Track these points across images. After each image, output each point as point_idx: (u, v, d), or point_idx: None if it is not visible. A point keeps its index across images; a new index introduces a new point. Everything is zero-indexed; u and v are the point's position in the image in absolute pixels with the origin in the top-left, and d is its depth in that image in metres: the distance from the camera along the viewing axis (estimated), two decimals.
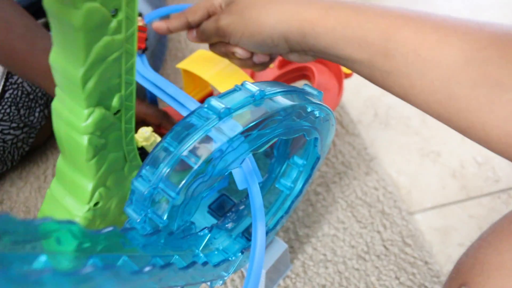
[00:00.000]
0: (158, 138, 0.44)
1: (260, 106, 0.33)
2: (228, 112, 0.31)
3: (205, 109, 0.32)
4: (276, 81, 0.39)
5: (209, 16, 0.43)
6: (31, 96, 0.59)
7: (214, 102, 0.32)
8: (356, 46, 0.34)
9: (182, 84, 0.66)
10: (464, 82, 0.30)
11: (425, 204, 0.66)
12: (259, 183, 0.38)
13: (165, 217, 0.33)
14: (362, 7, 0.35)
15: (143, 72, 0.48)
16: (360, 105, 0.79)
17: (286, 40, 0.38)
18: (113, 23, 0.32)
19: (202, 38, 0.44)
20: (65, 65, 0.34)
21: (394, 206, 0.62)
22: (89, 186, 0.42)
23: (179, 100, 0.45)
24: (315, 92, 0.38)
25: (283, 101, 0.35)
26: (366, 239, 0.59)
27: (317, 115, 0.37)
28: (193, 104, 0.44)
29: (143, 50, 0.51)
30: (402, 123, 0.77)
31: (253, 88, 0.33)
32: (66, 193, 0.44)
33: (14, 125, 0.60)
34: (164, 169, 0.32)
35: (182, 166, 0.32)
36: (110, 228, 0.29)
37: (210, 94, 0.61)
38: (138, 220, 0.34)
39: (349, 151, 0.69)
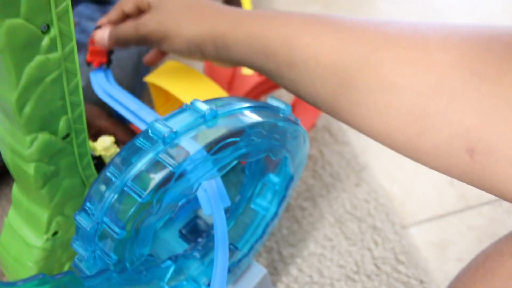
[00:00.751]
0: (118, 150, 0.41)
1: (216, 126, 0.30)
2: (174, 136, 0.28)
3: (150, 132, 0.29)
4: (241, 96, 0.36)
5: (137, 10, 0.44)
6: None
7: (158, 125, 0.28)
8: (263, 57, 0.35)
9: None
10: (362, 87, 0.30)
11: (420, 216, 0.62)
12: (227, 207, 0.35)
13: (112, 254, 0.30)
14: (269, 16, 0.36)
15: (104, 87, 0.45)
16: None
17: (202, 52, 0.40)
18: (45, 41, 0.29)
19: (119, 42, 0.45)
20: None
21: (387, 220, 0.59)
22: (45, 215, 0.39)
23: (142, 118, 0.42)
24: (282, 106, 0.35)
25: (244, 118, 0.31)
26: (356, 258, 0.55)
27: (284, 133, 0.34)
28: None
29: (108, 65, 0.48)
30: None
31: (204, 107, 0.30)
32: (23, 222, 0.41)
33: None
34: (107, 202, 0.29)
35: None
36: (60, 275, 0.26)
37: None
38: (86, 257, 0.31)
39: (338, 161, 0.65)
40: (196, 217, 0.46)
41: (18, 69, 0.29)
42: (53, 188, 0.37)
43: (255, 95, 0.60)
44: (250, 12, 0.38)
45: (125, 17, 0.45)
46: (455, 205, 0.64)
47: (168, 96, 0.54)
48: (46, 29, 0.28)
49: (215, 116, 0.30)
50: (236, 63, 0.39)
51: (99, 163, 0.40)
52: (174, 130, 0.28)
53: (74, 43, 0.31)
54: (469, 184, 0.28)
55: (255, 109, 0.32)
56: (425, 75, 0.27)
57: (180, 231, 0.45)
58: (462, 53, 0.26)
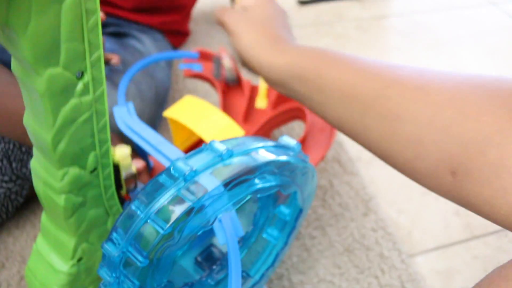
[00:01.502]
0: (134, 167, 0.43)
1: (232, 165, 0.33)
2: (194, 174, 0.31)
3: (172, 171, 0.32)
4: (255, 136, 0.39)
5: None
6: (23, 149, 0.60)
7: (179, 164, 0.31)
8: (298, 82, 0.42)
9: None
10: (374, 116, 0.36)
11: (427, 245, 0.64)
12: (241, 237, 0.37)
13: (135, 281, 0.32)
14: (307, 50, 0.43)
15: (127, 121, 0.48)
16: None
17: (248, 62, 0.47)
18: (79, 86, 0.32)
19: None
20: (35, 127, 0.34)
21: (394, 249, 0.60)
22: (71, 242, 0.41)
23: (161, 151, 0.45)
24: (292, 144, 0.37)
25: (258, 157, 0.34)
26: (363, 285, 0.57)
27: (294, 170, 0.36)
28: (175, 155, 0.44)
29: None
30: None
31: (221, 147, 0.32)
32: (51, 249, 0.44)
33: (6, 178, 0.61)
34: (132, 233, 0.32)
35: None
36: None
37: (201, 141, 0.61)
38: (111, 283, 0.34)
39: (346, 191, 0.67)
40: (211, 245, 0.48)
41: (54, 112, 0.32)
42: (80, 218, 0.40)
43: (269, 128, 0.63)
44: (295, 45, 0.45)
45: None
46: (460, 234, 0.65)
47: (185, 129, 0.57)
48: (81, 76, 0.32)
49: (231, 155, 0.32)
50: (274, 82, 0.45)
51: (115, 170, 0.42)
52: (194, 168, 0.31)
53: (104, 87, 0.34)
54: (453, 201, 0.33)
55: (267, 148, 0.35)
56: (422, 110, 0.33)
57: (196, 259, 0.47)
58: (452, 96, 0.32)
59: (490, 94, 0.30)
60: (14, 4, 0.25)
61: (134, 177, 0.43)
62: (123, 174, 0.42)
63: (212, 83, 0.65)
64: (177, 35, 0.97)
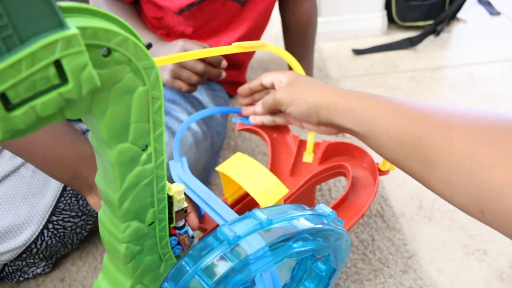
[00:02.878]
0: (186, 204, 0.47)
1: (271, 231, 0.37)
2: (237, 239, 0.35)
3: (218, 234, 0.36)
4: (296, 204, 0.43)
5: (271, 85, 0.62)
6: None
7: (225, 229, 0.36)
8: (357, 124, 0.48)
9: None
10: (417, 160, 0.41)
11: None
12: None
13: None
14: (364, 97, 0.49)
15: (180, 175, 0.54)
16: (405, 196, 0.80)
17: (317, 115, 0.53)
18: (144, 156, 0.37)
19: (264, 109, 0.63)
20: (105, 187, 0.40)
21: None
22: (128, 284, 0.47)
23: (210, 205, 0.50)
24: (328, 212, 0.41)
25: (294, 225, 0.38)
26: None
27: (328, 236, 0.40)
28: (222, 209, 0.48)
29: None
30: (448, 217, 0.76)
31: (262, 216, 0.37)
32: (110, 286, 0.49)
33: (73, 214, 0.68)
34: (181, 285, 0.36)
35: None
36: None
37: (247, 194, 0.66)
38: None
39: (387, 247, 0.69)
40: None
41: (122, 177, 0.37)
42: (137, 263, 0.45)
43: (314, 182, 0.67)
44: (353, 91, 0.51)
45: (262, 87, 0.65)
46: None
47: (235, 183, 0.62)
48: (145, 148, 0.37)
49: (270, 223, 0.37)
50: (337, 126, 0.52)
51: (168, 202, 0.45)
52: (237, 234, 0.35)
53: (164, 156, 0.39)
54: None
55: (304, 216, 0.39)
56: (449, 159, 0.38)
57: None
58: (471, 146, 0.37)
59: (501, 146, 0.35)
60: (96, 98, 0.31)
61: (184, 213, 0.47)
62: (175, 208, 0.46)
63: (262, 137, 0.70)
64: (233, 85, 1.03)
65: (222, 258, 0.35)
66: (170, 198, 0.44)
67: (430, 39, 1.42)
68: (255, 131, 0.73)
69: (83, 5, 0.29)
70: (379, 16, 1.45)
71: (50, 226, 0.67)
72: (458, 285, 0.66)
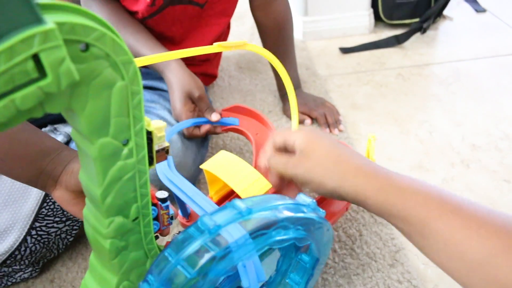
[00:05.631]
0: (167, 143, 0.44)
1: (250, 220, 0.39)
2: (218, 229, 0.37)
3: (199, 224, 0.38)
4: (276, 194, 0.44)
5: (284, 146, 0.54)
6: None
7: (205, 219, 0.37)
8: (399, 222, 0.43)
9: None
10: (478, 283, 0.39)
11: None
12: (264, 281, 0.42)
13: None
14: (409, 191, 0.43)
15: (167, 173, 0.55)
16: None
17: (340, 197, 0.47)
18: (125, 151, 0.39)
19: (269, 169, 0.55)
20: (88, 184, 0.41)
21: None
22: (114, 280, 0.48)
23: (195, 201, 0.51)
24: (308, 202, 0.43)
25: (274, 214, 0.40)
26: None
27: (308, 224, 0.41)
28: (206, 205, 0.50)
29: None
30: None
31: (241, 205, 0.38)
32: (96, 284, 0.50)
33: (57, 219, 0.69)
34: (164, 276, 0.38)
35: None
36: None
37: (233, 191, 0.67)
38: None
39: (375, 241, 0.71)
40: (239, 287, 0.54)
41: (104, 172, 0.39)
42: (123, 259, 0.46)
43: None
44: (391, 179, 0.45)
45: (276, 148, 0.55)
46: None
47: (220, 181, 0.63)
48: (126, 142, 0.39)
49: (250, 212, 0.38)
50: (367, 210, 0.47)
51: (149, 137, 0.42)
52: (217, 223, 0.37)
53: (145, 150, 0.41)
54: None
55: (284, 205, 0.40)
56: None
57: None
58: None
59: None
60: (75, 92, 0.32)
61: (166, 153, 0.44)
62: (156, 146, 0.43)
63: (246, 136, 0.72)
64: (206, 77, 1.10)
65: (203, 247, 0.37)
66: (149, 134, 0.42)
67: (417, 36, 1.44)
68: (239, 130, 0.75)
69: (62, 2, 0.30)
70: (366, 15, 1.48)
71: (33, 232, 0.68)
72: (445, 277, 0.68)
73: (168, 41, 0.96)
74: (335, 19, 1.47)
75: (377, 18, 1.52)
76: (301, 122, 1.06)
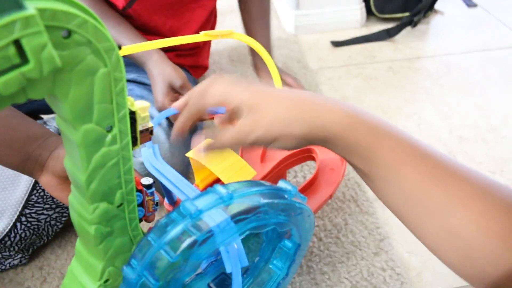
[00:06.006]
0: (150, 123, 0.44)
1: (232, 205, 0.39)
2: (199, 213, 0.38)
3: (181, 209, 0.39)
4: (257, 180, 0.45)
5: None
6: None
7: (187, 204, 0.38)
8: (364, 164, 0.41)
9: None
10: (419, 223, 0.40)
11: (436, 287, 0.67)
12: (246, 267, 0.43)
13: None
14: (378, 131, 0.41)
15: (152, 161, 0.56)
16: None
17: (310, 143, 0.42)
18: (109, 137, 0.39)
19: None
20: (73, 169, 0.42)
21: None
22: (100, 266, 0.49)
23: (180, 188, 0.52)
24: (289, 188, 0.44)
25: (255, 199, 0.41)
26: None
27: (288, 210, 0.43)
28: (191, 192, 0.51)
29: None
30: None
31: (223, 191, 0.39)
32: (83, 270, 0.51)
33: (47, 206, 0.70)
34: (147, 260, 0.39)
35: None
36: None
37: (219, 179, 0.68)
38: None
39: (360, 230, 0.72)
40: (223, 273, 0.55)
41: (88, 158, 0.39)
42: (108, 245, 0.47)
43: (284, 167, 0.69)
44: (360, 117, 0.41)
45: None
46: None
47: (206, 169, 0.64)
48: (110, 129, 0.39)
49: (231, 198, 0.39)
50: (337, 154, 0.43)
51: (132, 117, 0.41)
52: (199, 208, 0.38)
53: (129, 137, 0.41)
54: None
55: (264, 191, 0.41)
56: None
57: (209, 285, 0.53)
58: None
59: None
60: (58, 78, 0.33)
61: (150, 134, 0.43)
62: (140, 126, 0.42)
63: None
64: (197, 68, 1.10)
65: (185, 232, 0.38)
66: (133, 114, 0.41)
67: (408, 30, 1.45)
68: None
69: None
70: (358, 9, 1.48)
71: (23, 219, 0.69)
72: (429, 265, 0.69)
73: (152, 33, 0.96)
74: (327, 13, 1.47)
75: (369, 12, 1.52)
76: None
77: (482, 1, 1.62)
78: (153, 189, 0.50)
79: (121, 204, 0.46)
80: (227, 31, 0.66)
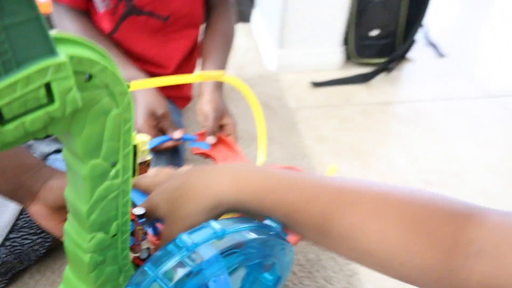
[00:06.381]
0: (148, 157, 0.47)
1: (224, 240, 0.42)
2: (195, 246, 0.40)
3: (177, 242, 0.41)
4: (244, 217, 0.48)
5: None
6: None
7: (184, 237, 0.41)
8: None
9: None
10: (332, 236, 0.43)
11: None
12: None
13: None
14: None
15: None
16: None
17: (244, 211, 0.48)
18: (113, 172, 0.42)
19: None
20: (75, 200, 0.44)
21: None
22: None
23: None
24: (274, 225, 0.47)
25: (244, 235, 0.43)
26: None
27: (273, 246, 0.45)
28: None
29: None
30: None
31: (217, 226, 0.42)
32: None
33: (32, 231, 0.71)
34: None
35: None
36: None
37: None
38: None
39: (331, 266, 0.75)
40: None
41: (92, 191, 0.42)
42: (99, 273, 0.49)
43: None
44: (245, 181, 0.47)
45: None
46: None
47: None
48: (114, 164, 0.42)
49: (224, 233, 0.42)
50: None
51: (133, 151, 0.44)
52: (194, 241, 0.40)
53: (131, 172, 0.44)
54: None
55: (253, 228, 0.44)
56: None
57: None
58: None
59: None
60: (75, 117, 0.35)
61: (147, 166, 0.47)
62: (139, 159, 0.45)
63: (215, 160, 0.76)
64: (181, 99, 1.14)
65: (180, 263, 0.40)
66: (134, 148, 0.43)
67: (382, 76, 1.52)
68: (208, 155, 0.79)
69: (72, 35, 0.34)
70: (338, 52, 1.55)
71: (8, 243, 0.69)
72: None
73: (138, 59, 0.99)
74: (309, 54, 1.53)
75: (347, 55, 1.59)
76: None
77: (451, 52, 1.71)
78: (144, 219, 0.52)
79: (115, 234, 0.47)
80: (219, 72, 0.70)
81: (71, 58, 0.32)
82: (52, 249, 0.80)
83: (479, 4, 2.23)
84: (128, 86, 0.39)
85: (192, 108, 1.25)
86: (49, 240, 0.75)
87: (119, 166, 0.42)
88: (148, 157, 0.47)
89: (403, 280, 0.42)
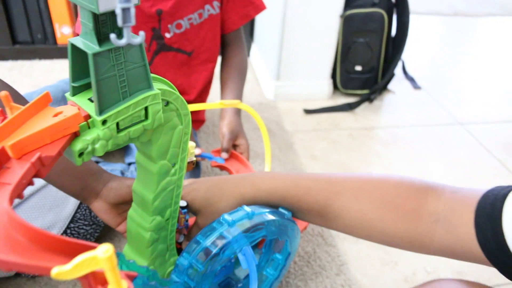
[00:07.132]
0: (195, 158, 0.68)
1: (253, 219, 0.57)
2: (233, 223, 0.55)
3: (221, 220, 0.56)
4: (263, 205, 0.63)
5: None
6: None
7: (226, 216, 0.55)
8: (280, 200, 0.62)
9: None
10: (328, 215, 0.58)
11: None
12: (256, 264, 0.60)
13: (191, 283, 0.55)
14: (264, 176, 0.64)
15: None
16: None
17: (240, 203, 0.62)
18: (172, 170, 0.56)
19: None
20: (142, 191, 0.58)
21: None
22: (145, 264, 0.64)
23: None
24: (286, 212, 0.61)
25: (268, 217, 0.58)
26: None
27: (286, 226, 0.60)
28: None
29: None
30: None
31: (248, 209, 0.57)
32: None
33: (86, 222, 0.85)
34: (196, 252, 0.55)
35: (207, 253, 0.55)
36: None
37: None
38: (178, 282, 0.56)
39: (325, 257, 0.89)
40: (229, 277, 0.71)
41: (158, 183, 0.56)
42: (154, 248, 0.62)
43: None
44: (256, 178, 0.63)
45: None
46: None
47: None
48: (174, 165, 0.56)
49: (253, 214, 0.56)
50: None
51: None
52: (233, 219, 0.55)
53: (184, 171, 0.59)
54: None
55: (271, 212, 0.59)
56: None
57: (219, 285, 0.69)
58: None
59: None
60: (156, 131, 0.50)
61: (193, 165, 0.67)
62: (188, 159, 0.60)
63: (230, 172, 0.91)
64: (195, 122, 1.26)
65: (221, 236, 0.55)
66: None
67: (366, 105, 1.68)
68: (224, 167, 0.94)
69: (158, 76, 0.49)
70: (326, 84, 1.70)
71: (68, 231, 0.83)
72: (376, 285, 0.87)
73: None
74: (301, 85, 1.68)
75: (335, 87, 1.75)
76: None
77: (425, 85, 1.88)
78: (186, 210, 0.67)
79: (168, 218, 0.62)
80: (236, 101, 0.85)
81: (161, 90, 0.47)
82: (100, 237, 0.93)
83: (451, 44, 2.43)
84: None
85: (203, 129, 1.40)
86: (98, 230, 0.89)
87: (177, 166, 0.57)
88: (194, 158, 0.64)
89: (386, 244, 0.56)
